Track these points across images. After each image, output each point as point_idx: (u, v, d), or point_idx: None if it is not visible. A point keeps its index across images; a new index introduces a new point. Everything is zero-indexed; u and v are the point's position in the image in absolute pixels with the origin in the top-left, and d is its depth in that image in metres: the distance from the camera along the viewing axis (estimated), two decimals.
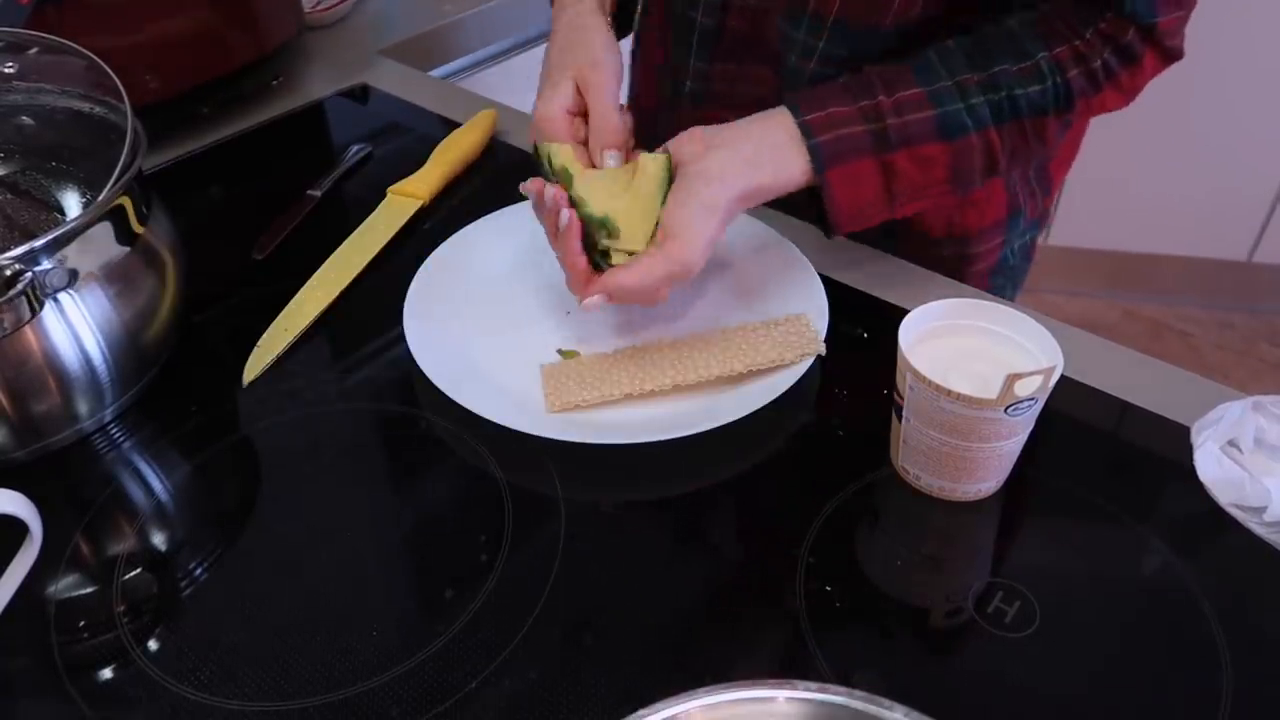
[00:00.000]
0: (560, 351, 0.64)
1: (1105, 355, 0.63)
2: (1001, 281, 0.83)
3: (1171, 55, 0.62)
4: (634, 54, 0.89)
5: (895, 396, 0.53)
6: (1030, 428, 0.51)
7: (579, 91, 0.64)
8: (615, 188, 0.60)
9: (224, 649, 0.48)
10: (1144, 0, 0.58)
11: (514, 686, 0.46)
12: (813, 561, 0.51)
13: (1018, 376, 0.47)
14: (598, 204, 0.60)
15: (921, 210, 0.66)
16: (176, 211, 0.66)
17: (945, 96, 0.61)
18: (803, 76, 0.69)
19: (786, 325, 0.62)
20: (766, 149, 0.60)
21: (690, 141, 0.60)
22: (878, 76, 0.62)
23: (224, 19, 0.89)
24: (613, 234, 0.59)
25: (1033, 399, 0.49)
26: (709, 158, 0.59)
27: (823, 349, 0.60)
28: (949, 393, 0.49)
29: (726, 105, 0.72)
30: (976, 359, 0.53)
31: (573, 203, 0.60)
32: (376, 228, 0.77)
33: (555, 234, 0.60)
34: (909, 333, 0.52)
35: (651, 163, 0.60)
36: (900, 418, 0.53)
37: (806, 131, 0.60)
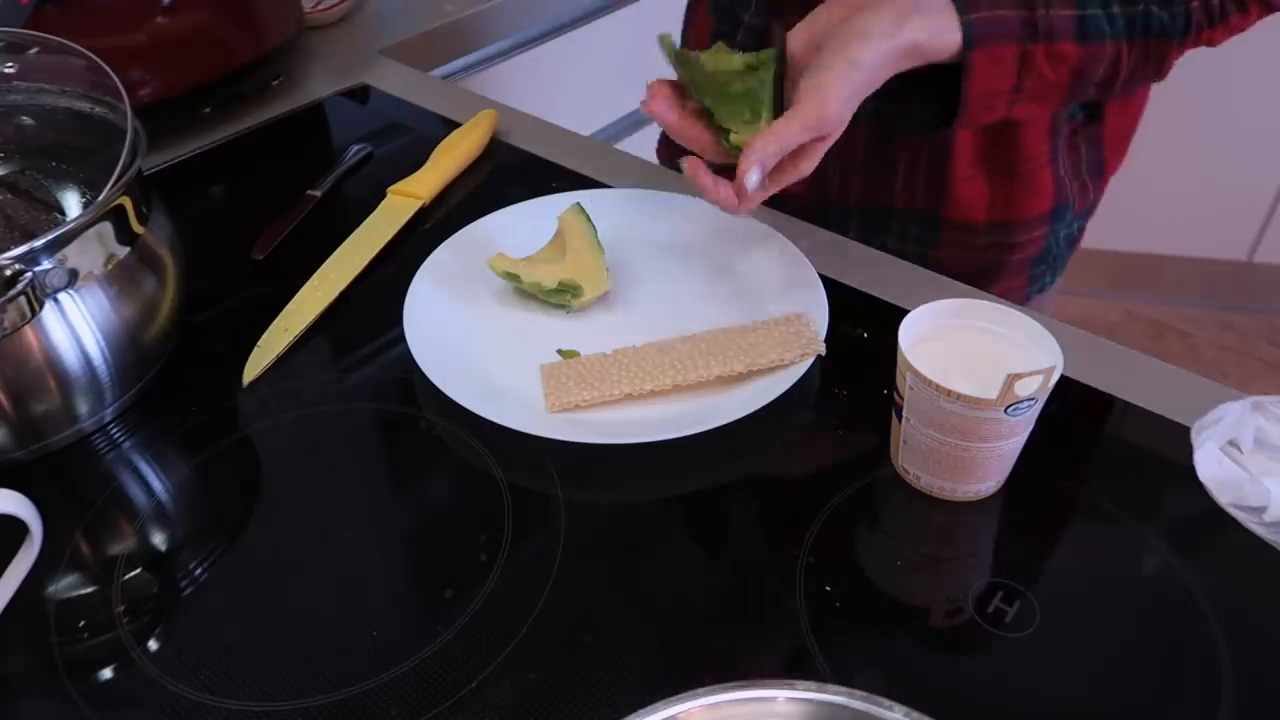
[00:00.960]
0: (560, 352, 0.64)
1: (1105, 355, 0.63)
2: (1042, 269, 0.82)
3: (1273, 6, 0.64)
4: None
5: (895, 396, 0.53)
6: (1030, 428, 0.51)
7: None
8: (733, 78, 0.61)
9: (224, 649, 0.48)
10: None
11: (514, 686, 0.46)
12: (813, 561, 0.51)
13: (1017, 376, 0.47)
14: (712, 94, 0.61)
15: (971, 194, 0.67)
16: (176, 211, 0.66)
17: (1089, 2, 0.61)
18: None
19: (786, 325, 0.62)
20: (924, 7, 0.59)
21: (830, 8, 0.60)
22: None
23: (224, 19, 0.89)
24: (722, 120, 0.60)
25: (1033, 399, 0.49)
26: (856, 19, 0.58)
27: (823, 349, 0.60)
28: (949, 393, 0.49)
29: None
30: (976, 359, 0.53)
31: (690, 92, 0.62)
32: (376, 227, 0.77)
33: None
34: (909, 333, 0.52)
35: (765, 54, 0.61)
36: (900, 418, 0.53)
37: (962, 6, 0.60)
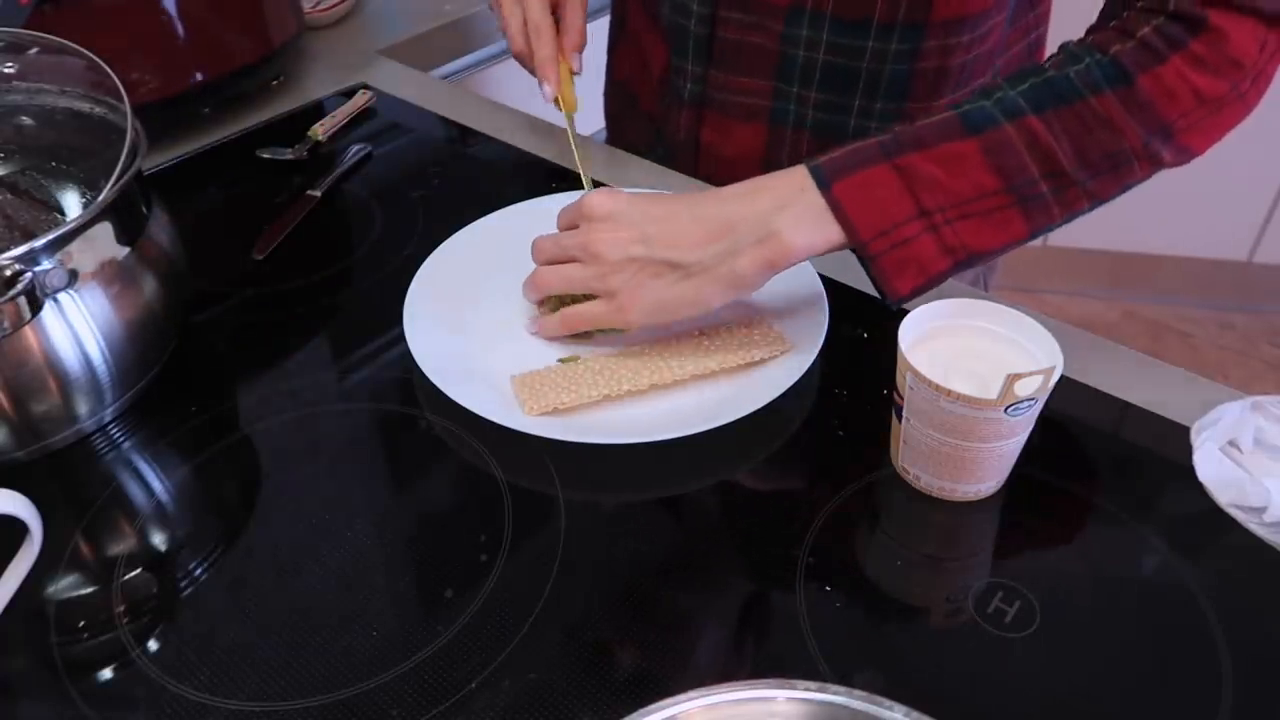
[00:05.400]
0: (561, 360, 0.63)
1: (1105, 355, 0.63)
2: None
3: (1262, 12, 0.54)
4: (609, 65, 0.93)
5: (895, 397, 0.53)
6: (1030, 428, 0.51)
7: None
8: None
9: (224, 649, 0.48)
10: None
11: (514, 686, 0.46)
12: (813, 561, 0.51)
13: (1017, 377, 0.47)
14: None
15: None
16: (176, 211, 0.66)
17: (966, 101, 0.57)
18: (810, 71, 0.72)
19: (749, 328, 0.64)
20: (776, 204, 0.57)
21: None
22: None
23: (224, 19, 0.89)
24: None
25: (1032, 399, 0.49)
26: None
27: (790, 346, 0.61)
28: (949, 393, 0.49)
29: (721, 112, 0.76)
30: (976, 359, 0.53)
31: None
32: None
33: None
34: (909, 333, 0.52)
35: None
36: (900, 418, 0.53)
37: (810, 163, 0.57)
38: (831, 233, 0.56)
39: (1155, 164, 0.57)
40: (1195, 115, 0.56)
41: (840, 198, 0.55)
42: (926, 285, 0.57)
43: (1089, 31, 0.60)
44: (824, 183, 0.56)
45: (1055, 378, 0.48)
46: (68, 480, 0.58)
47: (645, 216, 0.59)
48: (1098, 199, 0.58)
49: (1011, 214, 0.56)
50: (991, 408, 0.48)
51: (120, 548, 0.54)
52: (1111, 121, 0.55)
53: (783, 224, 0.56)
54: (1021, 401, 0.48)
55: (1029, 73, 0.57)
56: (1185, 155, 0.58)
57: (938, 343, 0.53)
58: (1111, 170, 0.57)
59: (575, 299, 0.64)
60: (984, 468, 0.52)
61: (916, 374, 0.50)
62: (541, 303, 0.66)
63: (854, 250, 0.57)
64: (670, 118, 0.84)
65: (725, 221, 0.57)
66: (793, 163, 0.58)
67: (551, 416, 0.58)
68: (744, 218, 0.57)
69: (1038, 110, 0.55)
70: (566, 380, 0.60)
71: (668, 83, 0.82)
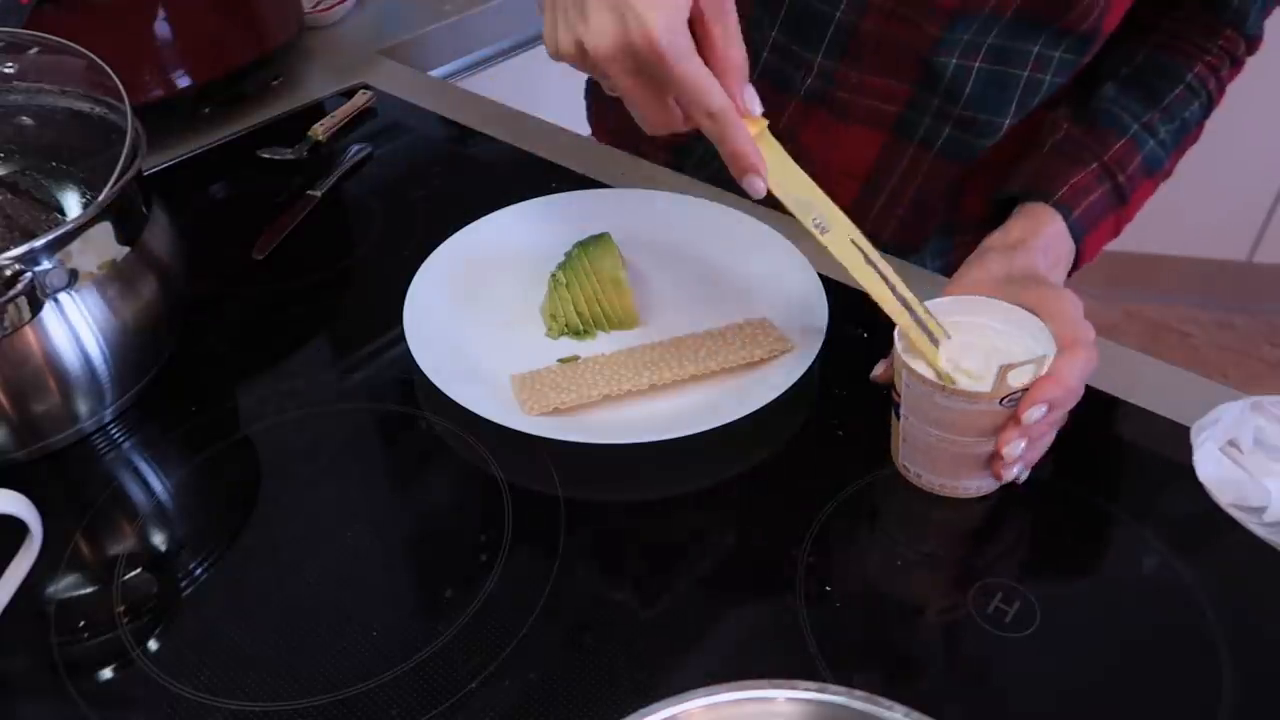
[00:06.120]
0: (561, 361, 0.63)
1: (1105, 355, 0.63)
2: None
3: (1248, 35, 0.68)
4: None
5: (893, 395, 0.53)
6: None
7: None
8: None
9: (224, 649, 0.48)
10: (1256, 18, 0.67)
11: (514, 686, 0.46)
12: (813, 561, 0.51)
13: (1010, 367, 0.47)
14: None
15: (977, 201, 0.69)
16: (176, 211, 0.66)
17: (1142, 138, 0.65)
18: (961, 84, 0.68)
19: (751, 328, 0.64)
20: (1046, 256, 0.61)
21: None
22: (1079, 134, 0.65)
23: (224, 19, 0.89)
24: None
25: (1027, 389, 0.49)
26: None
27: (791, 346, 0.61)
28: (944, 388, 0.49)
29: (835, 114, 0.73)
30: (972, 354, 0.53)
31: None
32: None
33: None
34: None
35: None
36: (899, 416, 0.53)
37: (1065, 214, 0.62)
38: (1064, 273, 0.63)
39: None
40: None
41: (1084, 252, 0.63)
42: None
43: (1174, 36, 0.68)
44: (1078, 237, 0.62)
45: (1047, 366, 0.48)
46: (68, 480, 0.58)
47: None
48: None
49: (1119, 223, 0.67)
50: (986, 400, 0.49)
51: (120, 548, 0.54)
52: (1198, 139, 0.69)
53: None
54: (1016, 392, 0.48)
55: (1174, 109, 0.67)
56: None
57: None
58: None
59: (580, 315, 0.65)
60: (984, 463, 0.52)
61: (912, 371, 0.50)
62: (552, 316, 0.66)
63: None
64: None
65: None
66: (903, 182, 0.60)
67: (551, 416, 0.58)
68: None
69: (1178, 148, 0.68)
70: (566, 380, 0.60)
71: (766, 70, 0.73)
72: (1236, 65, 0.69)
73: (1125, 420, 0.59)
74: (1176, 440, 0.56)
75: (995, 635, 0.48)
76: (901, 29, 0.67)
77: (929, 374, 0.50)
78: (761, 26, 0.72)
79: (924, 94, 0.69)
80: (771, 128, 0.51)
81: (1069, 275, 0.64)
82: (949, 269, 0.75)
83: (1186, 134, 0.68)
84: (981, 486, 0.54)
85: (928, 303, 0.53)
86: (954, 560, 0.53)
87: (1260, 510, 0.52)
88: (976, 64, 0.67)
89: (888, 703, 0.34)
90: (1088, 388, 0.60)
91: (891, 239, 0.76)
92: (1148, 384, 0.60)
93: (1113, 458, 0.58)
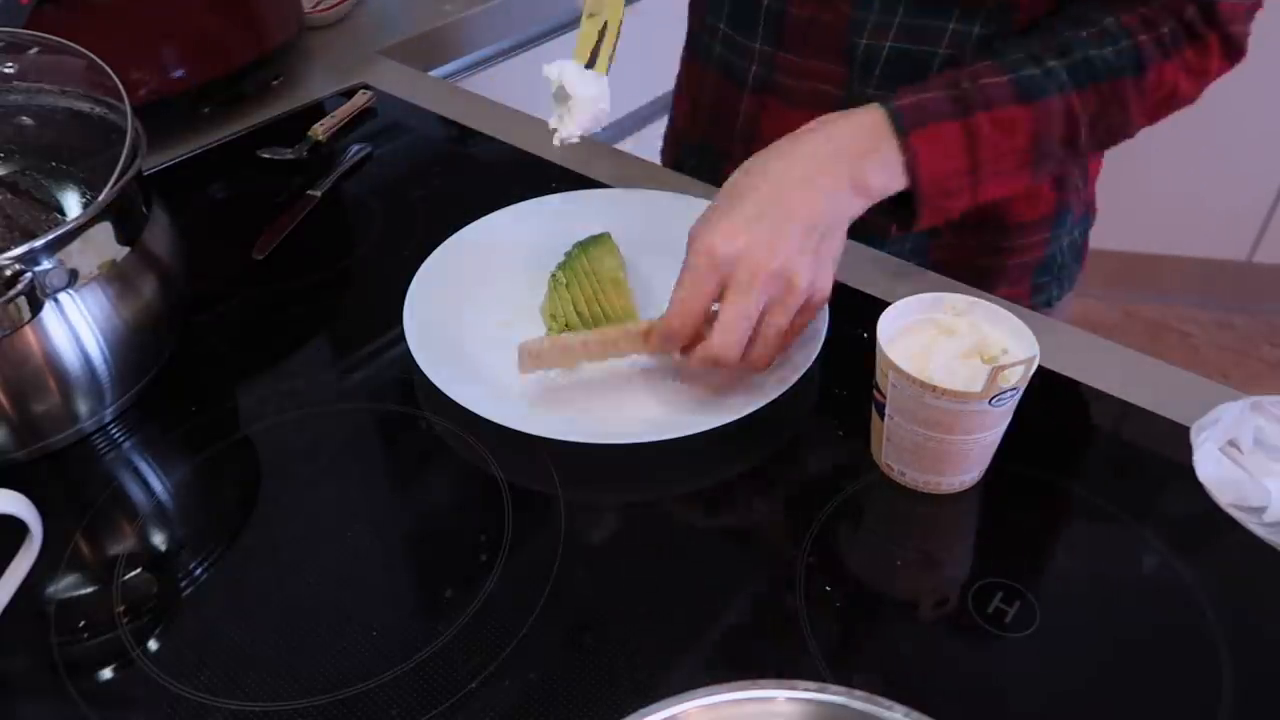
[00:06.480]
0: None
1: (1105, 355, 0.63)
2: (1047, 280, 0.80)
3: (1234, 45, 0.61)
4: (680, 78, 0.87)
5: (876, 394, 0.53)
6: (1010, 417, 0.52)
7: None
8: None
9: (224, 649, 0.48)
10: None
11: (514, 686, 0.46)
12: (813, 561, 0.51)
13: (1001, 368, 0.47)
14: None
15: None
16: (176, 211, 0.66)
17: (1021, 64, 0.60)
18: (874, 64, 0.68)
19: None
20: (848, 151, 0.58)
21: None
22: (956, 68, 0.61)
23: (224, 19, 0.89)
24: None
25: (1014, 389, 0.49)
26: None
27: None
28: (934, 389, 0.49)
29: (784, 100, 0.72)
30: (953, 351, 0.53)
31: None
32: None
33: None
34: (886, 330, 0.53)
35: None
36: (882, 415, 0.53)
37: (889, 106, 0.58)
38: (898, 182, 0.58)
39: (1118, 142, 0.64)
40: (1162, 110, 0.63)
41: (916, 150, 0.58)
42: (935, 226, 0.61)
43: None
44: (903, 130, 0.58)
45: (1034, 367, 0.49)
46: (68, 480, 0.58)
47: (759, 220, 0.56)
48: (1083, 165, 0.66)
49: (1025, 172, 0.61)
50: (976, 400, 0.49)
51: (120, 548, 0.54)
52: (1125, 104, 0.60)
53: (866, 171, 0.57)
54: (1005, 392, 0.49)
55: (1074, 45, 0.60)
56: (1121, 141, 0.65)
57: (914, 338, 0.54)
58: (1105, 144, 0.64)
59: (580, 315, 0.64)
60: (969, 459, 0.52)
61: (899, 372, 0.50)
62: (552, 316, 0.65)
63: (899, 193, 0.59)
64: (724, 109, 0.79)
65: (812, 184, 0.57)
66: None
67: (551, 416, 0.58)
68: (828, 170, 0.57)
69: (1078, 88, 0.59)
70: (568, 346, 0.60)
71: (728, 71, 0.77)
72: (1196, 40, 0.61)
73: (1125, 420, 0.59)
74: (1176, 440, 0.56)
75: (995, 635, 0.48)
76: (821, 10, 0.69)
77: (918, 374, 0.50)
78: (713, 20, 0.76)
79: (853, 75, 0.70)
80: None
81: (908, 225, 0.61)
82: (921, 254, 0.76)
83: (1095, 78, 0.59)
84: (965, 481, 0.54)
85: (897, 303, 0.54)
86: (953, 560, 0.53)
87: (1260, 510, 0.52)
88: (888, 43, 0.68)
89: (888, 703, 0.34)
90: (1088, 388, 0.60)
91: (860, 225, 0.76)
92: (1148, 384, 0.60)
93: (1113, 458, 0.58)
